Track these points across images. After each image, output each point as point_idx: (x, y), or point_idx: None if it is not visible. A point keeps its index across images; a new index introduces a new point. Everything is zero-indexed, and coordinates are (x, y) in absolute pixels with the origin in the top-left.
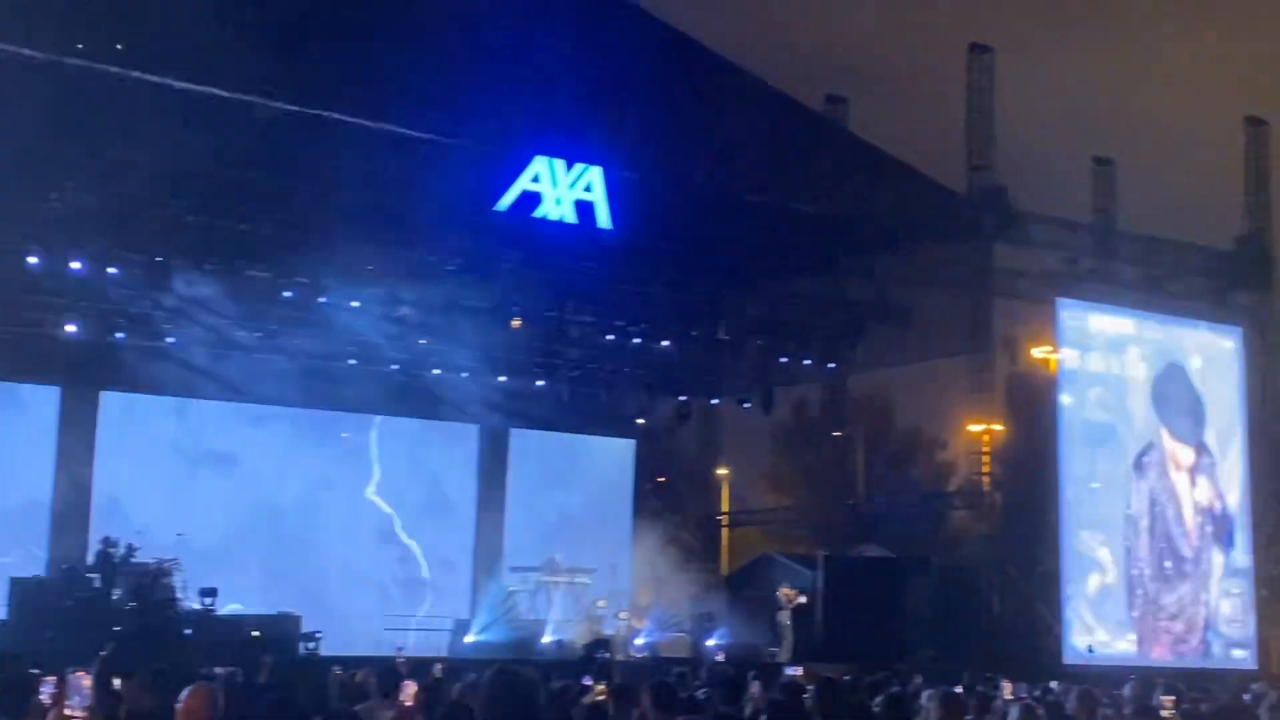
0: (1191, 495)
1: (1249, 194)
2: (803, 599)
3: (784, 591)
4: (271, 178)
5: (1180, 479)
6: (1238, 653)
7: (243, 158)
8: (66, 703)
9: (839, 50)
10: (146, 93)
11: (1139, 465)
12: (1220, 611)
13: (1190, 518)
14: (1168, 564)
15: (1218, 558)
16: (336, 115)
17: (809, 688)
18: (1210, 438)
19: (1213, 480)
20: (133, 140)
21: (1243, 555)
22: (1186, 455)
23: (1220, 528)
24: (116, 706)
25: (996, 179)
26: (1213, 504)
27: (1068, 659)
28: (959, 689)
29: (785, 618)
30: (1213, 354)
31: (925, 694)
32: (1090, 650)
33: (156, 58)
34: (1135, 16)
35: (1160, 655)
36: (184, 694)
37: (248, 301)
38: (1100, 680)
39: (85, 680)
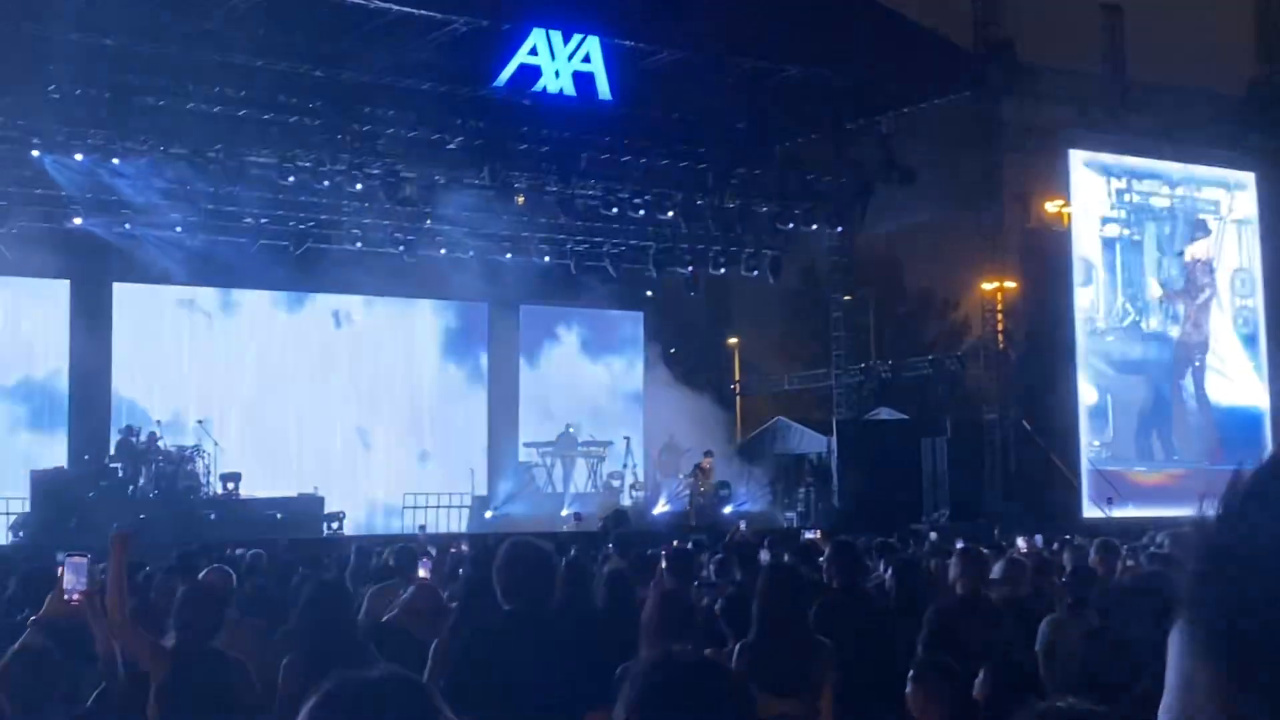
0: (1209, 345)
1: (1260, 38)
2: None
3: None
4: (271, 61)
5: (1193, 331)
6: None
7: (236, 42)
8: (65, 588)
9: None
10: None
11: (1154, 311)
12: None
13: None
14: (1188, 413)
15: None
16: None
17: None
18: (1227, 286)
19: (1231, 331)
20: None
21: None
22: (1201, 304)
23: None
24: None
25: (1003, 32)
26: (1231, 353)
27: (1086, 514)
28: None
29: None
30: (1228, 200)
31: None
32: (1110, 503)
33: None
34: None
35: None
36: (203, 573)
37: (251, 186)
38: (1119, 534)
39: (82, 562)
